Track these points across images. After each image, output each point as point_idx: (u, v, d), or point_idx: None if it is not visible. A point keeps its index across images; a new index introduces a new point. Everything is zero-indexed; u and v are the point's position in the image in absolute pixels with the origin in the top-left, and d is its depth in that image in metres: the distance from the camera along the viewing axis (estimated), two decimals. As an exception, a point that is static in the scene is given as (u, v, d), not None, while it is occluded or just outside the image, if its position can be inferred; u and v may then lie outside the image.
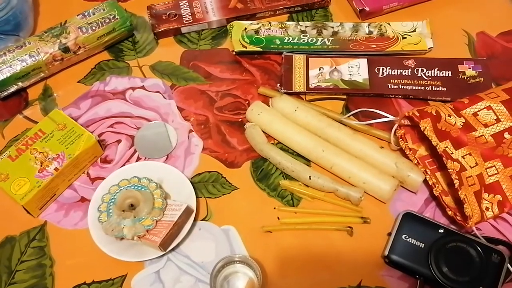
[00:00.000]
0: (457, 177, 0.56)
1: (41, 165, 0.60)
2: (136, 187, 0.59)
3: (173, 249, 0.59)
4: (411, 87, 0.70)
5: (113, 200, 0.59)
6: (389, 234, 0.58)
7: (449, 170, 0.56)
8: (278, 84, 0.71)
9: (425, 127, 0.58)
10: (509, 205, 0.59)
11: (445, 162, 0.57)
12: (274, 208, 0.62)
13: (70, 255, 0.59)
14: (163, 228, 0.56)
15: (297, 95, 0.71)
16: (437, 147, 0.57)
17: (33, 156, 0.61)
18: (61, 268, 0.58)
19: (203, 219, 0.61)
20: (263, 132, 0.66)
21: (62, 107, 0.71)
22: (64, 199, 0.63)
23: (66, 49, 0.70)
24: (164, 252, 0.56)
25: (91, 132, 0.64)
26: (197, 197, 0.62)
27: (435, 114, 0.60)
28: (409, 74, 0.71)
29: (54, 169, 0.60)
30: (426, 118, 0.59)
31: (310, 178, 0.62)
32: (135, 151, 0.67)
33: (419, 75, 0.71)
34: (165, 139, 0.67)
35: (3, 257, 0.59)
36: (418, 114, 0.59)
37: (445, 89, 0.70)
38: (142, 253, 0.57)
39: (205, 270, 0.57)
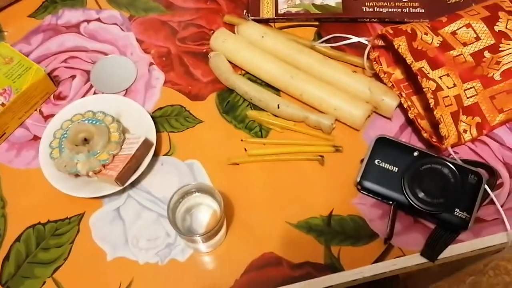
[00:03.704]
0: (432, 96, 0.52)
1: (-13, 101, 0.56)
2: (90, 121, 0.55)
3: (133, 185, 0.55)
4: (387, 9, 0.65)
5: (65, 136, 0.54)
6: (362, 160, 0.55)
7: (424, 89, 0.53)
8: (245, 11, 0.66)
9: (399, 45, 0.54)
10: (488, 127, 0.56)
11: (420, 81, 0.53)
12: (242, 140, 0.58)
13: (23, 195, 0.55)
14: (120, 162, 0.53)
15: (265, 22, 0.66)
16: (411, 66, 0.53)
17: (-22, 93, 0.56)
18: (14, 208, 0.55)
19: (166, 154, 0.57)
20: (230, 62, 0.62)
21: (12, 43, 0.65)
22: (15, 138, 0.59)
23: (11, -21, 0.64)
24: (122, 187, 0.53)
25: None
26: (159, 131, 0.58)
27: (410, 32, 0.55)
28: (386, -4, 0.66)
29: (1, 105, 0.55)
30: (400, 36, 0.55)
31: (278, 107, 0.58)
32: (91, 87, 0.62)
33: (396, -4, 0.66)
34: (124, 72, 0.62)
35: (-48, 201, 0.55)
36: (392, 32, 0.55)
37: (423, 10, 0.65)
38: (99, 189, 0.53)
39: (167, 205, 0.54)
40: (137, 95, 0.61)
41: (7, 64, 0.58)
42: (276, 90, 0.61)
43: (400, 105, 0.58)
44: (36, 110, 0.60)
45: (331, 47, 0.63)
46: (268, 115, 0.59)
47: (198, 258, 0.52)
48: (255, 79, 0.62)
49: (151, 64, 0.63)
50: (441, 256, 0.50)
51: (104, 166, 0.53)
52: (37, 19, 0.67)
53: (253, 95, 0.59)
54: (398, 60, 0.58)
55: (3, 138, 0.58)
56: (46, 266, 0.52)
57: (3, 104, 0.56)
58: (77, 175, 0.54)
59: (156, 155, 0.57)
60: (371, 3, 0.65)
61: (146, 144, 0.54)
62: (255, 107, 0.60)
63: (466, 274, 1.09)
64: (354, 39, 0.61)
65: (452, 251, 0.51)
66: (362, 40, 0.59)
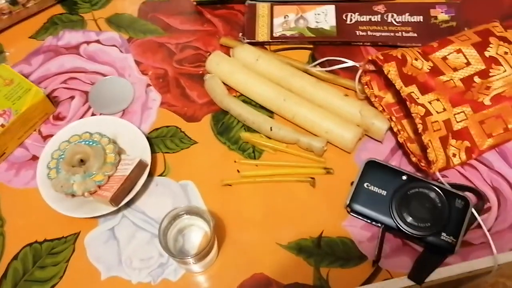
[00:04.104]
0: (421, 122, 0.53)
1: (-13, 122, 0.57)
2: (87, 142, 0.57)
3: (128, 206, 0.56)
4: (380, 33, 0.66)
5: (62, 157, 0.56)
6: (352, 183, 0.56)
7: (412, 114, 0.54)
8: (241, 34, 0.67)
9: (389, 71, 0.55)
10: (478, 151, 0.57)
11: (408, 106, 0.54)
12: (235, 161, 0.59)
13: (21, 214, 0.57)
14: (114, 183, 0.54)
15: (261, 45, 0.67)
16: (400, 91, 0.55)
17: (-21, 113, 0.58)
18: (12, 227, 0.56)
19: (161, 175, 0.59)
20: (224, 84, 0.63)
21: (13, 64, 0.67)
22: (14, 158, 0.60)
23: (13, 2, 0.66)
24: (116, 208, 0.54)
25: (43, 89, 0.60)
26: (154, 152, 0.60)
27: (400, 58, 0.57)
28: (379, 20, 0.67)
29: (1, 126, 0.57)
30: (390, 62, 0.56)
31: (271, 129, 0.59)
32: (89, 108, 0.63)
33: (389, 21, 0.67)
34: (121, 94, 0.64)
35: (-48, 219, 0.57)
36: (382, 58, 0.56)
37: (415, 35, 0.66)
38: (94, 209, 0.54)
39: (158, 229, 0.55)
40: (134, 116, 0.63)
41: (7, 86, 0.60)
42: (270, 112, 0.62)
43: (391, 128, 0.59)
44: (35, 130, 0.62)
45: (326, 70, 0.64)
46: (261, 137, 0.60)
47: (190, 278, 0.53)
48: (249, 101, 0.63)
49: (148, 85, 0.65)
50: (428, 279, 0.51)
51: (99, 186, 0.54)
52: (38, 40, 0.69)
53: (247, 117, 0.60)
54: (389, 84, 0.59)
55: (2, 158, 0.60)
56: (43, 284, 0.53)
57: (2, 126, 0.57)
58: (73, 196, 0.55)
59: (151, 175, 0.58)
60: (364, 27, 0.67)
61: (140, 165, 0.56)
62: (248, 129, 0.61)
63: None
64: (347, 63, 0.62)
65: (439, 274, 0.52)
66: (355, 64, 0.60)
